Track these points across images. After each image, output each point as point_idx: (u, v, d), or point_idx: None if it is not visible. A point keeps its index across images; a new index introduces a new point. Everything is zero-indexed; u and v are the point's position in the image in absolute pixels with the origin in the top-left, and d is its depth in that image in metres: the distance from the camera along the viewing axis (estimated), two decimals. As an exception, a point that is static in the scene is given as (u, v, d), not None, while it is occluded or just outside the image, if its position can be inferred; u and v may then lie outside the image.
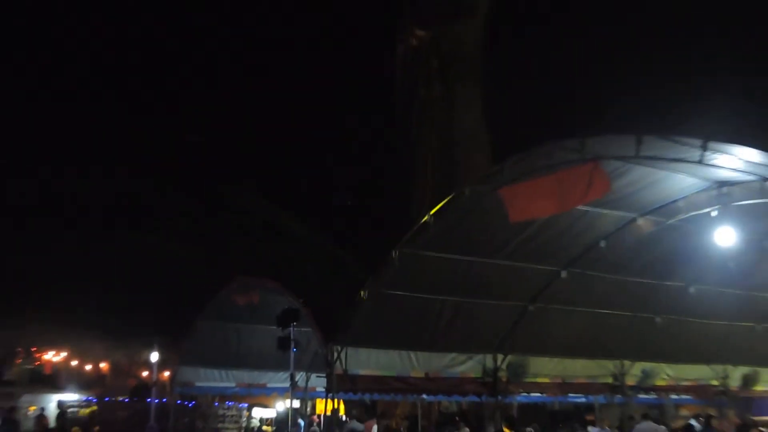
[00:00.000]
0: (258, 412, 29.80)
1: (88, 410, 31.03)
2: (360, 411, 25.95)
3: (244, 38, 53.30)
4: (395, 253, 13.26)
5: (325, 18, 52.12)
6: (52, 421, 28.19)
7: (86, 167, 40.40)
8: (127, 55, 52.83)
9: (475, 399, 17.45)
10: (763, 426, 17.89)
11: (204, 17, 55.80)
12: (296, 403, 20.68)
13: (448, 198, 13.00)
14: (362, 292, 13.82)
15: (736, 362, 19.39)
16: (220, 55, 54.24)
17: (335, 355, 14.19)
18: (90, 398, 33.99)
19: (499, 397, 16.41)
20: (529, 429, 17.80)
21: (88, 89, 48.66)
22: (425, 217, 13.17)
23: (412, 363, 15.39)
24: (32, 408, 31.54)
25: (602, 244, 13.97)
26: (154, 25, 52.09)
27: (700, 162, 10.03)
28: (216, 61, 53.03)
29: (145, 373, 37.80)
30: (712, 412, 20.24)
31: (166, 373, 28.73)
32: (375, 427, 17.60)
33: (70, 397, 34.98)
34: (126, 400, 32.79)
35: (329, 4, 51.44)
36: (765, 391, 20.41)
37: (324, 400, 17.78)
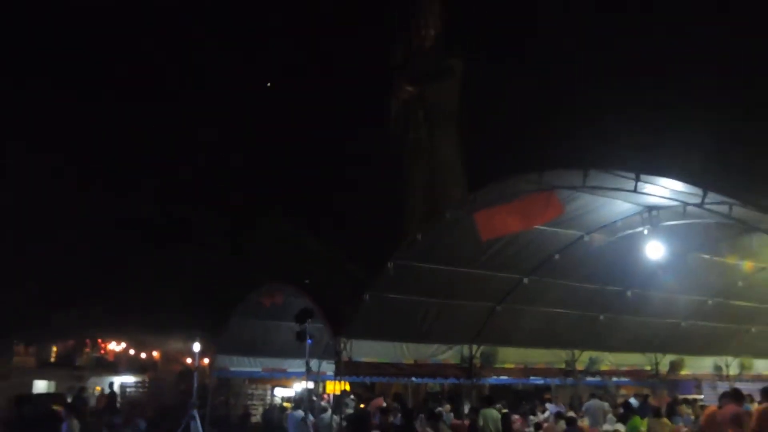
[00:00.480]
0: (279, 392, 29.63)
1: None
2: (363, 390, 25.88)
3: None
4: (390, 263, 13.28)
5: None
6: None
7: (146, 191, 40.52)
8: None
9: (455, 381, 17.37)
10: (687, 403, 17.85)
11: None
12: (311, 385, 20.55)
13: (433, 220, 13.01)
14: (364, 295, 13.85)
15: (664, 351, 19.32)
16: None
17: (342, 345, 14.16)
18: (144, 380, 33.82)
19: (474, 380, 16.33)
20: (498, 405, 17.72)
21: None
22: (414, 235, 13.22)
23: (404, 352, 15.32)
24: (98, 388, 31.37)
25: (556, 256, 13.98)
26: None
27: (634, 191, 10.04)
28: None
29: (189, 360, 37.55)
30: (647, 392, 20.22)
31: (206, 360, 28.56)
32: (384, 404, 17.47)
33: (128, 379, 34.76)
34: (173, 381, 32.51)
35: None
36: (688, 375, 20.33)
37: (333, 382, 17.70)
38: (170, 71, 52.82)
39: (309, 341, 14.96)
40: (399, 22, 37.93)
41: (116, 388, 29.56)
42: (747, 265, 14.99)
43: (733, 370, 20.88)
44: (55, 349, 40.16)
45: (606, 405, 17.84)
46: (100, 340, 41.70)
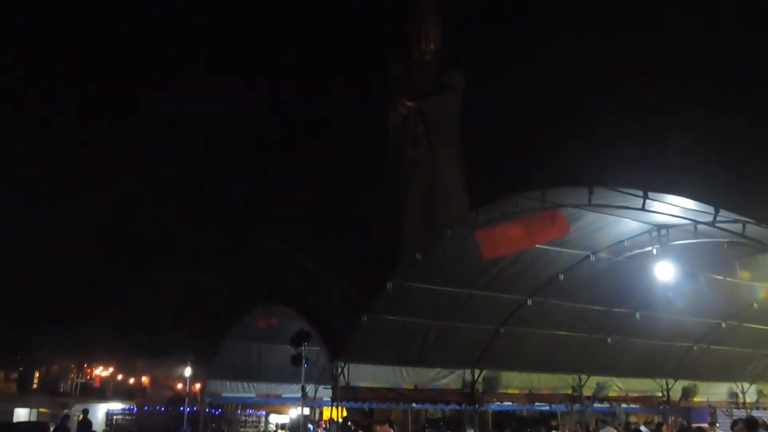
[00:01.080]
0: (274, 418, 29.43)
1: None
2: (362, 416, 25.68)
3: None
4: (389, 284, 13.20)
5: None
6: (97, 426, 27.41)
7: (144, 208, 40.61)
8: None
9: (456, 407, 17.18)
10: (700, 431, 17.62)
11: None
12: (307, 411, 20.39)
13: (433, 239, 12.96)
14: (362, 317, 13.76)
15: (676, 376, 19.15)
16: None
17: (339, 369, 14.04)
18: (132, 407, 33.50)
19: (476, 406, 16.16)
20: (504, 433, 17.58)
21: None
22: (414, 254, 13.16)
23: (404, 376, 15.20)
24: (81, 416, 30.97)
25: (561, 277, 13.87)
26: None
27: (642, 209, 9.96)
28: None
29: (179, 386, 37.32)
30: (659, 419, 20.01)
31: (198, 386, 28.37)
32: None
33: (115, 406, 34.45)
34: (163, 408, 32.29)
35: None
36: (702, 402, 20.12)
37: (330, 407, 17.55)
38: (161, 87, 53.36)
39: (305, 365, 14.91)
40: (399, 37, 38.25)
41: (101, 414, 29.23)
42: (762, 292, 14.92)
43: (750, 397, 20.68)
44: (37, 374, 39.86)
45: (618, 432, 17.69)
46: (86, 365, 41.38)
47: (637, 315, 15.95)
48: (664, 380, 19.15)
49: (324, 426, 21.15)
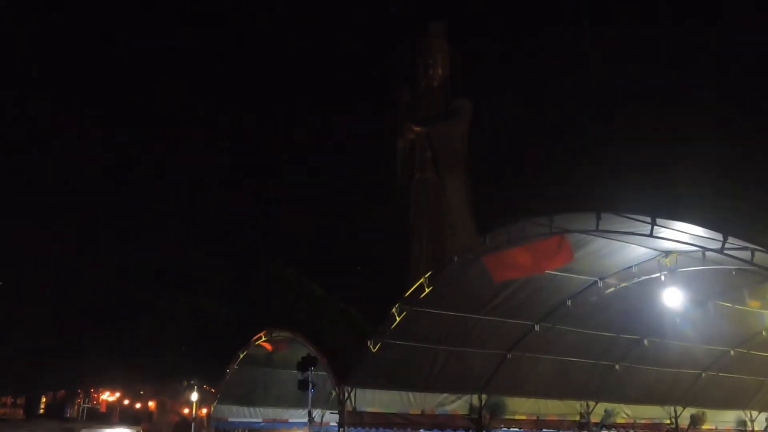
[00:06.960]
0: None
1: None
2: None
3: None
4: (396, 309, 13.18)
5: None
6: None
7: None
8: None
9: (464, 433, 17.05)
10: None
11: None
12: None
13: (440, 264, 12.95)
14: (369, 342, 13.73)
15: (684, 404, 18.94)
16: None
17: (346, 395, 14.00)
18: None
19: (484, 431, 16.02)
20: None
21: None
22: (421, 280, 13.14)
23: (411, 402, 15.10)
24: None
25: (569, 302, 13.83)
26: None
27: (650, 235, 9.93)
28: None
29: (186, 411, 37.05)
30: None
31: (204, 410, 28.20)
32: None
33: (122, 431, 34.29)
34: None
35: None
36: (711, 430, 19.86)
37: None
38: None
39: (311, 390, 14.85)
40: (407, 63, 38.52)
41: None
42: None
43: (759, 425, 20.40)
44: (44, 399, 39.77)
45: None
46: (92, 390, 41.26)
47: (645, 342, 15.86)
48: (672, 407, 18.93)
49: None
